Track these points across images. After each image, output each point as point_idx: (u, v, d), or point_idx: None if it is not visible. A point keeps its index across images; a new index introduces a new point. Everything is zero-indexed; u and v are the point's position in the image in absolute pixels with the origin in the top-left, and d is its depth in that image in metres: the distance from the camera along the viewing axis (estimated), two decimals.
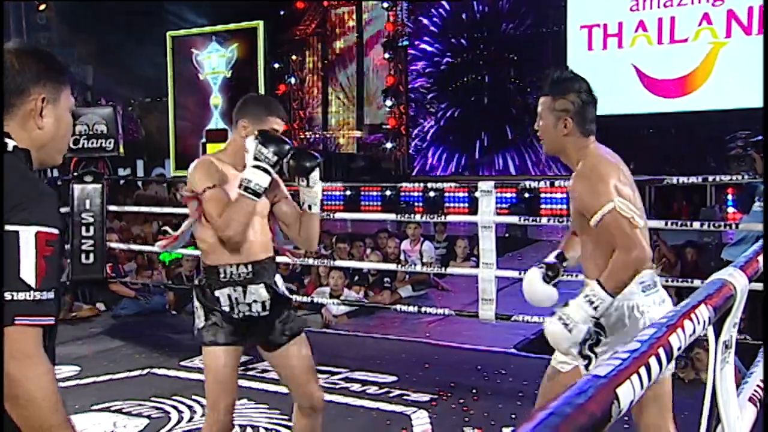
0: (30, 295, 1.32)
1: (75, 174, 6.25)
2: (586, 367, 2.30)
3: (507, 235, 10.63)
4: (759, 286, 2.12)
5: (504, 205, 12.70)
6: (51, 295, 1.36)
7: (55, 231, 1.39)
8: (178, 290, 6.94)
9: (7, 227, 1.33)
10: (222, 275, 2.60)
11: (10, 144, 1.46)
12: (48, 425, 1.33)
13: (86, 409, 4.11)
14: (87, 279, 6.20)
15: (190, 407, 4.14)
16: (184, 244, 2.85)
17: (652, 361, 0.85)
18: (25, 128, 1.49)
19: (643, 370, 0.82)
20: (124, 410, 4.11)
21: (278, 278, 2.75)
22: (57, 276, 1.41)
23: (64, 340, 5.56)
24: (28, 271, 1.32)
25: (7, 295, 1.30)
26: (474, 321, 5.08)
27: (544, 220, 5.40)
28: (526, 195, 13.17)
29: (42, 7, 18.61)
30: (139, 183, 16.22)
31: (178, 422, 3.95)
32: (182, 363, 4.97)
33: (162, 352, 5.25)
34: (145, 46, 16.30)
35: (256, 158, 2.44)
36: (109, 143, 6.26)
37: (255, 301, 2.62)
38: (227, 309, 2.61)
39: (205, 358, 2.62)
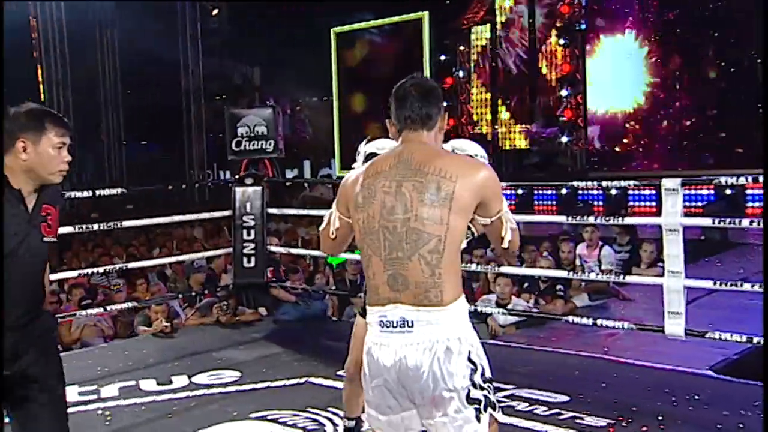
0: None
1: (237, 177, 6.56)
2: None
3: (703, 237, 9.87)
4: None
5: (699, 204, 11.83)
6: None
7: None
8: (340, 295, 7.08)
9: None
10: None
11: None
12: None
13: (245, 416, 4.26)
14: (248, 283, 6.49)
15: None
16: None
17: None
18: (16, 158, 2.50)
19: None
20: (280, 420, 4.22)
21: None
22: None
23: (227, 344, 5.86)
24: None
25: None
26: (659, 336, 4.70)
27: (745, 222, 4.76)
28: (728, 192, 12.16)
29: (215, 12, 20.00)
30: (305, 184, 16.87)
31: None
32: (340, 373, 5.03)
33: (320, 361, 5.35)
34: (312, 44, 16.93)
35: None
36: (269, 144, 6.54)
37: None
38: None
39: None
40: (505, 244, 2.23)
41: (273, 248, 6.90)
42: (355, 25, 15.37)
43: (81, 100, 19.07)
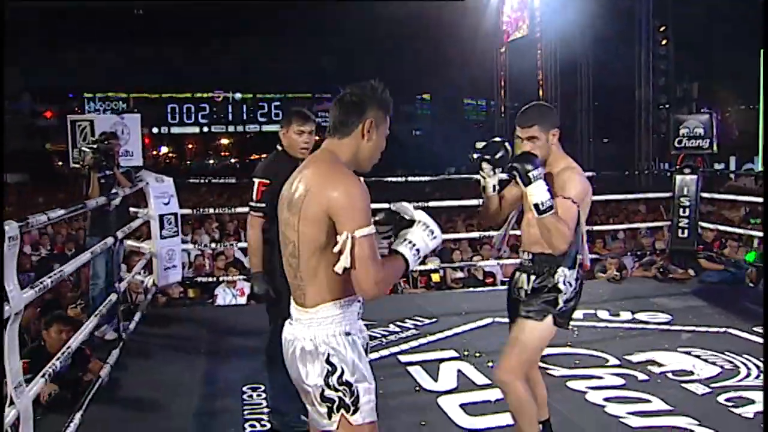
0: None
1: (677, 167, 6.22)
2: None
3: None
4: None
5: None
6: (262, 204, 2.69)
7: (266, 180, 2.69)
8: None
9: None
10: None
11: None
12: None
13: (673, 349, 4.05)
14: (681, 249, 6.09)
15: (757, 366, 3.69)
16: None
17: None
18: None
19: None
20: (702, 357, 3.91)
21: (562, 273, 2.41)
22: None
23: (662, 294, 5.51)
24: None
25: None
26: None
27: None
28: None
29: (663, 41, 18.65)
30: (731, 175, 15.02)
31: (746, 377, 3.56)
32: (755, 328, 4.39)
33: (739, 316, 4.72)
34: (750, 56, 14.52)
35: None
36: (705, 143, 6.07)
37: (520, 287, 2.50)
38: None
39: None
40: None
41: (705, 225, 6.34)
42: None
43: (565, 109, 19.97)
